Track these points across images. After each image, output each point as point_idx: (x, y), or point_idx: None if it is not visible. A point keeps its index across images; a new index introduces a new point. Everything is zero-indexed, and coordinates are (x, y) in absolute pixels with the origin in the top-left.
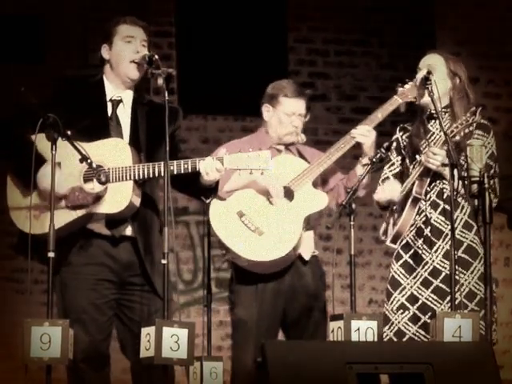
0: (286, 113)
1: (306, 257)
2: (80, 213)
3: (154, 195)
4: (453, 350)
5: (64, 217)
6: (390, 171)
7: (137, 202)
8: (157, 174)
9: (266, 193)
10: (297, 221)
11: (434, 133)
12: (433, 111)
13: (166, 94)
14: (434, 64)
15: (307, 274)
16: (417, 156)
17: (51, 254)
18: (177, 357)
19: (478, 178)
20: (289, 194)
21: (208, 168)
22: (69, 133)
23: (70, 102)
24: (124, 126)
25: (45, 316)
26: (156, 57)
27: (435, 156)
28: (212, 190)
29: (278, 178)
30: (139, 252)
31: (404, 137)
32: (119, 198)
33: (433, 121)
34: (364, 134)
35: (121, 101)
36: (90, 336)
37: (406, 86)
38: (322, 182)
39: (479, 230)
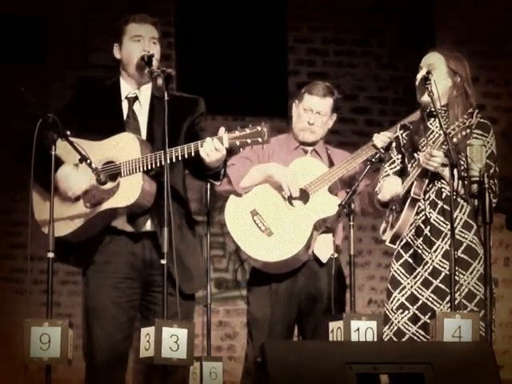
0: (304, 108)
1: (323, 259)
2: (95, 210)
3: (174, 187)
4: (453, 350)
5: (82, 217)
6: (391, 169)
7: (151, 192)
8: (163, 163)
9: (279, 190)
10: (307, 224)
11: (433, 131)
12: (433, 109)
13: (166, 94)
14: (435, 63)
15: (323, 276)
16: (415, 154)
17: (50, 255)
18: (176, 357)
19: (477, 178)
20: (304, 196)
21: (207, 149)
22: (68, 133)
23: (88, 103)
24: (141, 122)
25: (44, 316)
26: (155, 56)
27: (434, 158)
28: (219, 173)
29: (296, 179)
30: (159, 248)
31: (404, 135)
32: (130, 190)
33: (432, 119)
34: (383, 139)
35: (137, 98)
36: (110, 335)
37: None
38: (349, 185)
39: (479, 229)
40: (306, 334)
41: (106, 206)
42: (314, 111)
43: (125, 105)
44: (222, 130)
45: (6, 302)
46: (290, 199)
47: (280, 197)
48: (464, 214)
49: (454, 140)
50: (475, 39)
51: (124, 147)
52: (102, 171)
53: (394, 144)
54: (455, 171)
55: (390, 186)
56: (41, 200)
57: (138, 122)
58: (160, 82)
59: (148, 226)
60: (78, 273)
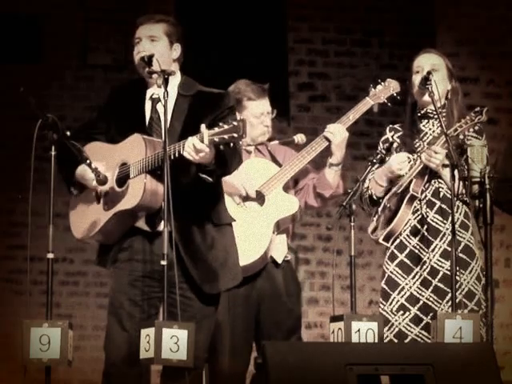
0: (255, 115)
1: (279, 260)
2: (111, 213)
3: (189, 185)
4: (453, 351)
5: (101, 219)
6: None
7: (155, 193)
8: (160, 163)
9: (237, 194)
10: (267, 226)
11: (426, 133)
12: (429, 111)
13: (166, 95)
14: (438, 64)
15: (278, 277)
16: (409, 156)
17: (50, 256)
18: (176, 358)
19: (478, 179)
20: (260, 198)
21: (187, 148)
22: (68, 133)
23: (117, 107)
24: (164, 122)
25: (44, 317)
26: (155, 57)
27: (437, 155)
28: (213, 171)
29: (250, 179)
30: (177, 245)
31: (395, 137)
32: (135, 191)
33: (425, 121)
34: (331, 131)
35: (159, 99)
36: (126, 332)
37: (378, 88)
38: (292, 181)
39: (480, 230)
40: (263, 335)
41: (117, 208)
42: (265, 113)
43: (148, 106)
44: (202, 126)
45: (6, 303)
46: (246, 201)
47: (236, 202)
48: (460, 214)
49: (461, 137)
50: (475, 39)
51: (133, 148)
52: (119, 174)
53: (394, 146)
54: (455, 171)
55: (400, 161)
56: (73, 207)
57: (161, 122)
58: (159, 82)
59: (162, 225)
60: (78, 273)
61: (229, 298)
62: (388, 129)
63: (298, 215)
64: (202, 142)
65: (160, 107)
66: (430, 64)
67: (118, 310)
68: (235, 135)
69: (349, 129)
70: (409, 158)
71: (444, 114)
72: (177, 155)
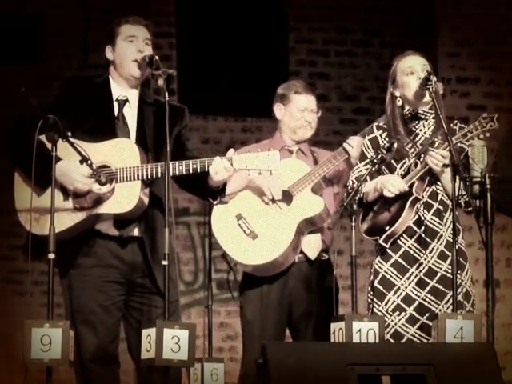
0: (299, 108)
1: (312, 256)
2: (87, 213)
3: (161, 195)
4: (454, 352)
5: (71, 217)
6: (366, 169)
7: (145, 201)
8: (164, 174)
9: (263, 194)
10: (291, 225)
11: (417, 134)
12: (420, 112)
13: (167, 95)
14: (427, 65)
15: (312, 276)
16: (406, 158)
17: (51, 256)
18: (177, 358)
19: (479, 179)
20: (288, 197)
21: (217, 167)
22: (69, 134)
23: (76, 103)
24: (131, 126)
25: (45, 318)
26: (156, 57)
27: (444, 159)
28: (219, 192)
29: (277, 181)
30: (146, 252)
31: (384, 135)
32: (127, 198)
33: (416, 122)
34: (352, 144)
35: (127, 100)
36: (98, 338)
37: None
38: (330, 183)
39: (480, 230)
40: (299, 336)
41: (101, 210)
42: (309, 109)
43: (115, 107)
44: (231, 151)
45: (7, 304)
46: (274, 201)
47: (264, 200)
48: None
49: (470, 142)
50: (475, 39)
51: (122, 153)
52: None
53: (394, 146)
54: (453, 172)
55: (395, 183)
56: (24, 193)
57: (127, 126)
58: (161, 82)
59: (136, 231)
60: None
61: (261, 299)
62: (375, 127)
63: (324, 217)
64: (231, 165)
65: (126, 110)
66: (421, 65)
67: (89, 317)
68: (270, 166)
69: None
70: (399, 190)
71: (433, 115)
72: (198, 170)
